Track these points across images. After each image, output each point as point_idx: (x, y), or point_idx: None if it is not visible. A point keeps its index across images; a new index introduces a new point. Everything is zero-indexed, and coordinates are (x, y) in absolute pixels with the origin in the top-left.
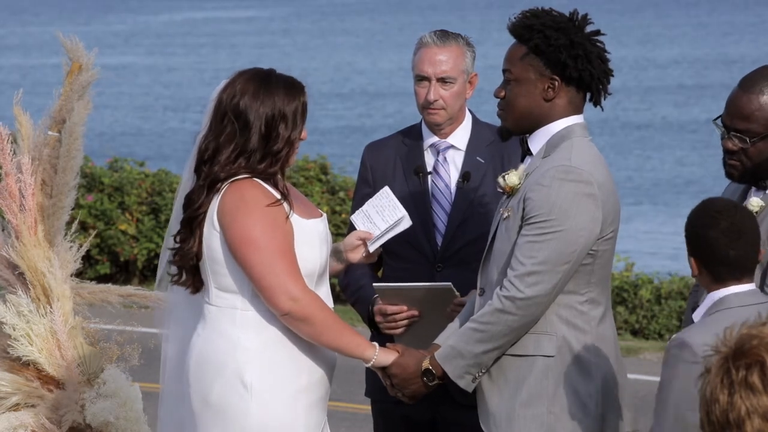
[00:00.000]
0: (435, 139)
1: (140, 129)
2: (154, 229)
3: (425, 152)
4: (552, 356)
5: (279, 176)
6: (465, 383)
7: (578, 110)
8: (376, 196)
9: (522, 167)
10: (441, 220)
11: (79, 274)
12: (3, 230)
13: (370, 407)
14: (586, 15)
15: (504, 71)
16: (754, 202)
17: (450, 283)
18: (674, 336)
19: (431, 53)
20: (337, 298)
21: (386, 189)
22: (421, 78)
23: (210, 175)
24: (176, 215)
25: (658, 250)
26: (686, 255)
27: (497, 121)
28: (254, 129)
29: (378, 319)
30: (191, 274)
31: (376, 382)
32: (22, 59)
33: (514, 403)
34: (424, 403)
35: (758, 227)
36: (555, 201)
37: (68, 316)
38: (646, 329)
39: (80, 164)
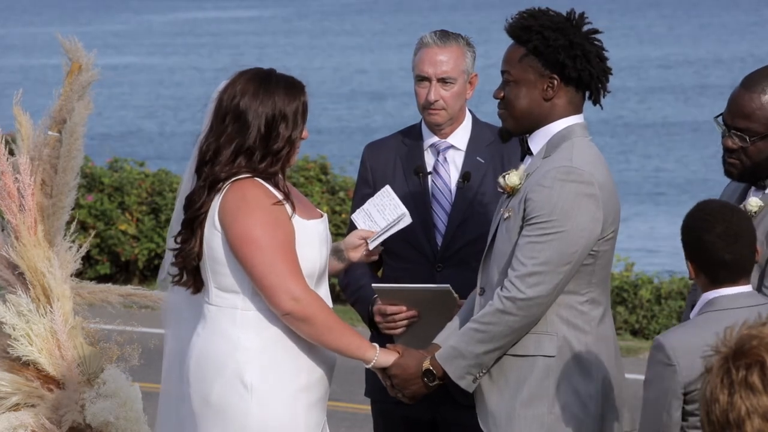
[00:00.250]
0: (435, 139)
1: (140, 129)
2: (155, 229)
3: (425, 152)
4: (553, 356)
5: (280, 176)
6: (466, 383)
7: (578, 110)
8: (377, 194)
9: (522, 167)
10: (441, 220)
11: (79, 274)
12: (3, 230)
13: (369, 407)
14: (583, 14)
15: (503, 72)
16: (753, 202)
17: (449, 286)
18: (656, 336)
19: (432, 53)
20: (337, 298)
21: (387, 188)
22: (421, 78)
23: (211, 175)
24: (177, 216)
25: (658, 250)
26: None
27: (497, 121)
28: (254, 129)
29: (377, 319)
30: (192, 275)
31: (376, 382)
32: (24, 59)
33: (514, 403)
34: (425, 403)
35: (754, 229)
36: (556, 202)
37: (68, 316)
38: (646, 329)
39: (81, 164)
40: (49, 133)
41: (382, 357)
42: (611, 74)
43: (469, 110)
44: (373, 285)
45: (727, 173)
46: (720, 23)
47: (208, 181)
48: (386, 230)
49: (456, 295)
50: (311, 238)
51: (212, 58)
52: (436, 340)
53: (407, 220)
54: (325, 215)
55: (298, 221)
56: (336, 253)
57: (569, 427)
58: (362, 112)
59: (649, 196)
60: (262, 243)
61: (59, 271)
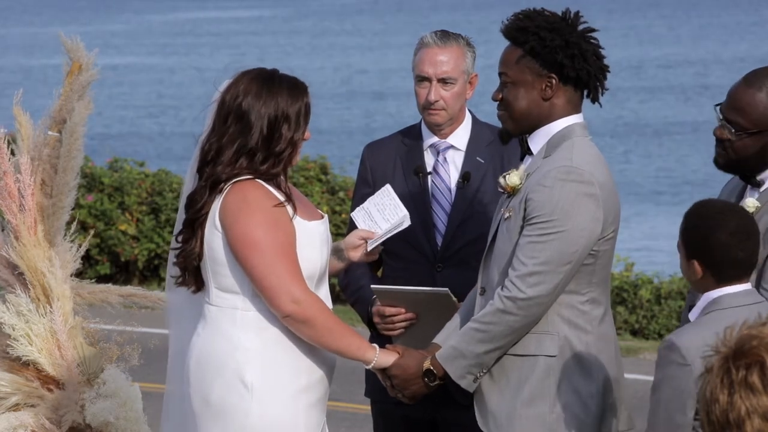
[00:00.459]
0: (435, 139)
1: (140, 129)
2: (154, 229)
3: (425, 152)
4: (554, 356)
5: (281, 177)
6: (466, 383)
7: (577, 109)
8: (377, 193)
9: (523, 167)
10: (441, 220)
11: (79, 274)
12: (3, 230)
13: (369, 407)
14: (578, 13)
15: (500, 74)
16: (750, 203)
17: (447, 289)
18: (666, 337)
19: (432, 54)
20: (337, 299)
21: (387, 187)
22: (421, 78)
23: (212, 175)
24: (180, 217)
25: (658, 250)
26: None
27: (497, 121)
28: (257, 129)
29: (376, 320)
30: (193, 275)
31: (376, 382)
32: (24, 59)
33: (515, 403)
34: (425, 403)
35: (757, 227)
36: (557, 202)
37: (68, 316)
38: (645, 329)
39: (81, 164)
40: (49, 133)
41: (382, 357)
42: (608, 71)
43: (469, 110)
44: (372, 286)
45: (714, 162)
46: (720, 23)
47: (210, 182)
48: (386, 233)
49: (455, 299)
50: (312, 239)
51: (212, 58)
52: (435, 340)
53: (406, 223)
54: (326, 216)
55: (299, 222)
56: (336, 252)
57: (570, 427)
58: (362, 112)
59: (649, 196)
60: (263, 245)
61: (59, 271)
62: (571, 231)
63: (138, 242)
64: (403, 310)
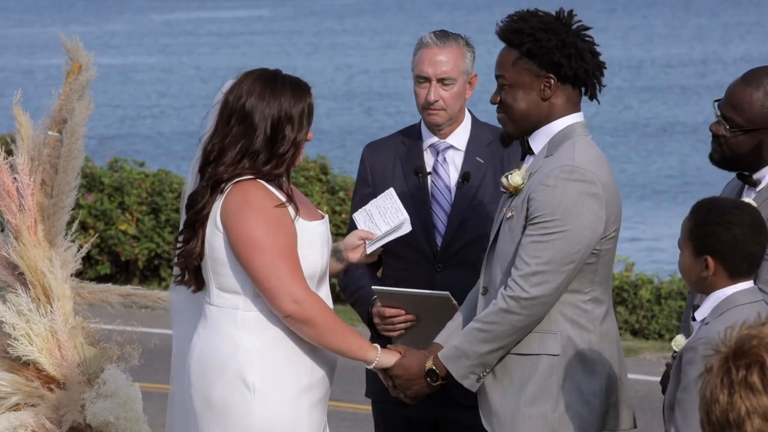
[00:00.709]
0: (434, 139)
1: (140, 129)
2: (154, 229)
3: (425, 152)
4: (557, 355)
5: (284, 178)
6: (469, 383)
7: (576, 107)
8: (380, 196)
9: (525, 167)
10: (441, 220)
11: (79, 274)
12: (3, 230)
13: (370, 407)
14: (571, 11)
15: (497, 77)
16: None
17: (448, 293)
18: (691, 338)
19: (431, 54)
20: (337, 299)
21: (391, 191)
22: (421, 78)
23: (214, 175)
24: (183, 217)
25: (658, 249)
26: (680, 257)
27: (497, 122)
28: (260, 130)
29: (376, 320)
30: (193, 274)
31: (377, 382)
32: (24, 59)
33: (518, 402)
34: (426, 403)
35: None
36: (559, 201)
37: (68, 316)
38: (646, 329)
39: (81, 164)
40: (49, 133)
41: (384, 358)
42: (605, 68)
43: (469, 110)
44: (372, 287)
45: (710, 157)
46: (720, 23)
47: (211, 182)
48: (386, 236)
49: (455, 302)
50: (313, 240)
51: (212, 58)
52: (437, 340)
53: (406, 228)
54: (326, 216)
55: (300, 223)
56: (335, 253)
57: (573, 425)
58: (362, 112)
59: (650, 196)
60: (264, 245)
61: (59, 271)
62: (574, 230)
63: (138, 242)
64: (403, 312)
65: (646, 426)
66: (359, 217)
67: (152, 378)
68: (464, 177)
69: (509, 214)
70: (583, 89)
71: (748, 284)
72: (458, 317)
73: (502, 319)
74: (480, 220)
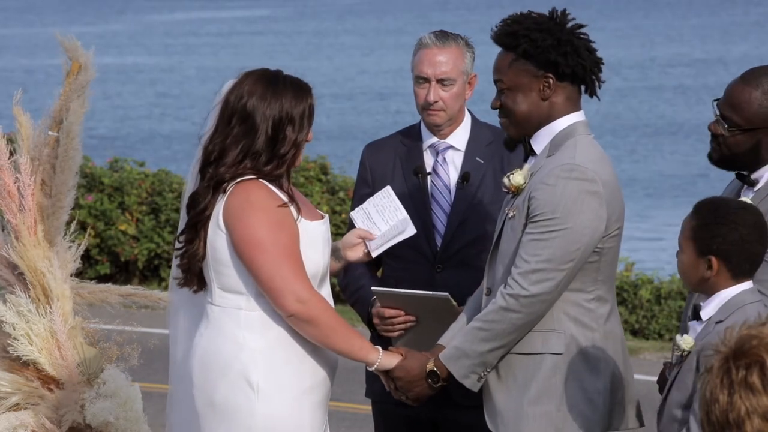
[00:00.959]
0: (434, 139)
1: (140, 129)
2: (154, 229)
3: (424, 153)
4: (560, 354)
5: (284, 178)
6: (470, 383)
7: (577, 106)
8: (377, 194)
9: (527, 166)
10: (440, 220)
11: (79, 274)
12: (3, 230)
13: (370, 407)
14: (565, 11)
15: (496, 81)
16: None
17: (447, 294)
18: (706, 342)
19: (431, 54)
20: (337, 298)
21: (388, 188)
22: (420, 79)
23: (215, 176)
24: (183, 217)
25: (659, 250)
26: (681, 257)
27: (497, 122)
28: (261, 131)
29: (375, 321)
30: (195, 275)
31: (377, 382)
32: (24, 59)
33: (522, 401)
34: (426, 403)
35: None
36: (560, 199)
37: (68, 316)
38: (646, 329)
39: (79, 164)
40: (49, 133)
41: (385, 359)
42: (603, 64)
43: (469, 110)
44: (372, 288)
45: (708, 156)
46: (720, 23)
47: (213, 182)
48: (389, 238)
49: (455, 303)
50: (315, 240)
51: (212, 58)
52: (440, 341)
53: (411, 230)
54: (327, 216)
55: (302, 223)
56: (334, 252)
57: (577, 424)
58: (362, 112)
59: (650, 196)
60: (267, 245)
61: (59, 271)
62: (574, 229)
63: (138, 242)
64: (402, 313)
65: (646, 426)
66: (357, 215)
67: (152, 378)
68: (464, 177)
69: (511, 214)
70: (582, 87)
71: (749, 284)
72: (462, 319)
73: (501, 317)
74: (480, 220)
